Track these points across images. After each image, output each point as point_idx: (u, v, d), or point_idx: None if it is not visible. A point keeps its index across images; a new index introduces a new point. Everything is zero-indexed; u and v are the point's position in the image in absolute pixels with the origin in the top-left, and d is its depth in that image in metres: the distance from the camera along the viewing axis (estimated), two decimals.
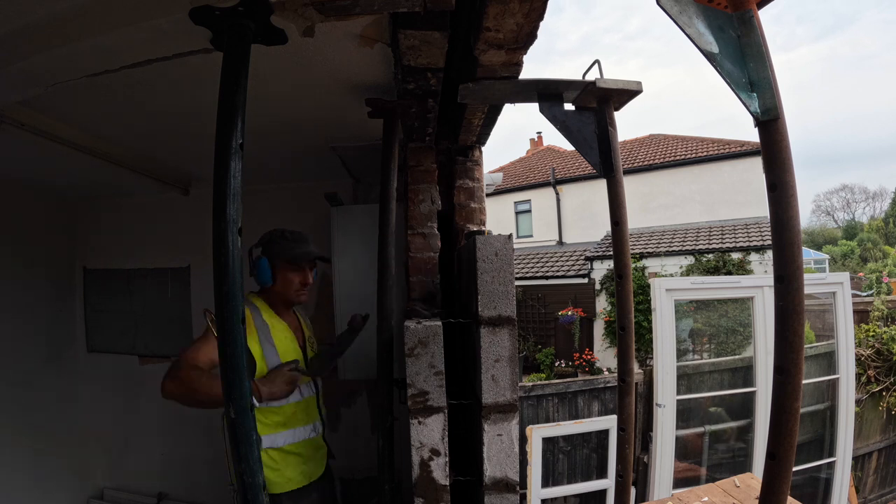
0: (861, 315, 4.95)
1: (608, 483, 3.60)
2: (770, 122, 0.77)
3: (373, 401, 2.69)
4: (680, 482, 3.43)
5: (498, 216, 13.67)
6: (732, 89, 0.79)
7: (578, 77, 1.26)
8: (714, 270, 8.26)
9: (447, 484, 1.22)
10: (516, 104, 1.40)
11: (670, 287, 3.49)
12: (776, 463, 0.77)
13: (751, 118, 0.79)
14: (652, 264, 9.01)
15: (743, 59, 0.79)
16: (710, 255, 8.50)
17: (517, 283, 7.79)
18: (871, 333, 4.63)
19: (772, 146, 0.77)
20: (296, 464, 1.56)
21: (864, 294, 10.56)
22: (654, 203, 10.92)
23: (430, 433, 1.21)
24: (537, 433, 3.39)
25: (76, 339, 3.06)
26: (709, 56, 0.79)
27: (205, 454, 2.50)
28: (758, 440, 3.51)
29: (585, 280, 9.74)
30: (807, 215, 34.42)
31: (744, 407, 3.68)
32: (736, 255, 8.32)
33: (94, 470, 3.01)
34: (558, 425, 3.54)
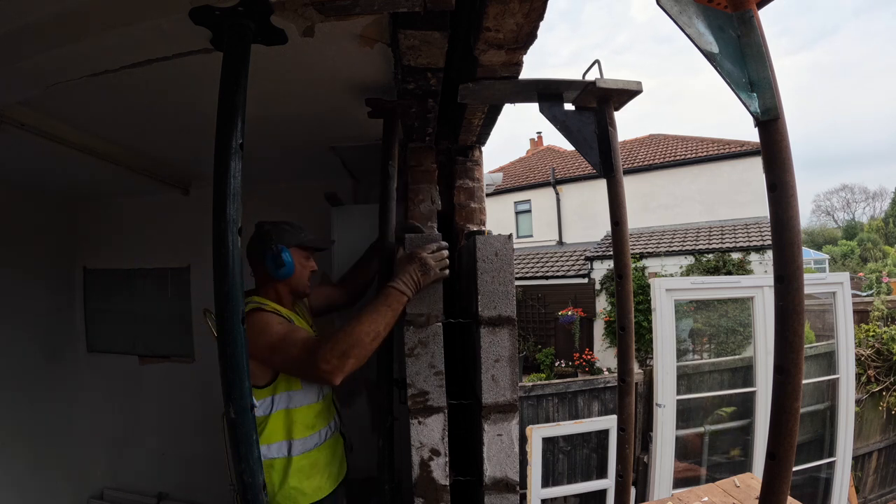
0: (861, 315, 4.95)
1: (608, 483, 3.60)
2: (770, 122, 0.77)
3: (373, 401, 2.68)
4: (680, 482, 3.43)
5: (498, 216, 13.67)
6: (732, 89, 0.79)
7: (578, 77, 1.26)
8: (714, 270, 8.26)
9: (447, 484, 1.22)
10: (516, 104, 1.40)
11: (670, 287, 3.49)
12: (776, 463, 0.77)
13: (729, 121, 0.79)
14: (652, 264, 9.01)
15: (743, 59, 0.79)
16: (710, 255, 8.50)
17: (517, 283, 7.79)
18: (871, 333, 4.63)
19: (772, 146, 0.77)
20: (325, 466, 1.45)
21: (864, 294, 10.56)
22: (654, 203, 10.92)
23: (430, 433, 1.21)
24: (537, 433, 3.39)
25: (76, 339, 3.06)
26: (709, 56, 0.79)
27: (205, 454, 2.50)
28: (758, 440, 3.51)
29: (585, 280, 9.74)
30: (807, 215, 34.46)
31: (744, 407, 3.68)
32: (736, 255, 8.32)
33: (94, 470, 3.01)
34: (558, 425, 3.54)
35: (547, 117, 1.29)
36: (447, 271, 1.25)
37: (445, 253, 1.26)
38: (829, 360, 3.83)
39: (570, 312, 9.42)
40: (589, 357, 9.27)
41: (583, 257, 10.24)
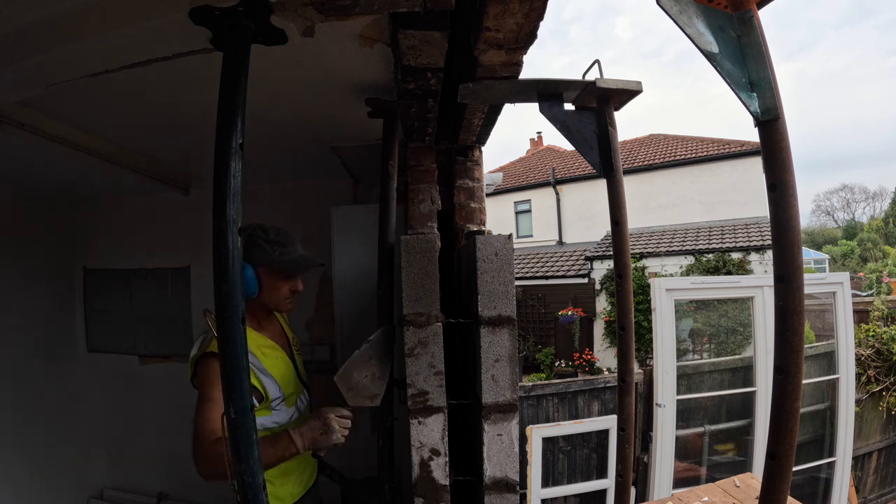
0: (861, 315, 4.95)
1: (608, 483, 3.60)
2: (770, 121, 0.77)
3: None
4: (680, 482, 3.43)
5: (498, 216, 13.68)
6: (732, 89, 0.79)
7: (578, 77, 1.26)
8: (714, 270, 8.27)
9: (447, 484, 1.22)
10: (516, 104, 1.40)
11: (670, 287, 3.49)
12: (776, 463, 0.77)
13: (712, 131, 0.79)
14: (652, 264, 9.02)
15: (743, 59, 0.79)
16: (710, 255, 8.51)
17: (517, 283, 7.78)
18: (871, 333, 4.63)
19: (772, 146, 0.77)
20: (296, 475, 1.49)
21: (864, 294, 10.55)
22: (654, 203, 10.92)
23: (430, 433, 1.21)
24: (537, 433, 3.39)
25: (76, 339, 3.06)
26: (709, 56, 0.79)
27: None
28: (758, 440, 3.51)
29: (585, 280, 9.75)
30: (807, 215, 34.54)
31: (744, 407, 3.68)
32: (736, 255, 8.33)
33: (94, 470, 3.01)
34: (558, 425, 3.54)
35: (547, 117, 1.29)
36: (345, 439, 1.36)
37: (349, 423, 1.37)
38: (829, 360, 3.83)
39: (570, 312, 9.43)
40: (589, 357, 9.28)
41: (583, 257, 10.25)
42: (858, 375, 4.18)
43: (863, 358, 4.39)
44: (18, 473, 2.62)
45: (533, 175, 14.14)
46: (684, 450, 3.58)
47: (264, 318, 1.53)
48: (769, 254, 3.82)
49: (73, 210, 3.03)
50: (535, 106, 1.30)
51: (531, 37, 1.05)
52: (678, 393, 3.45)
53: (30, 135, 1.64)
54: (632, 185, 9.28)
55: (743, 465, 3.62)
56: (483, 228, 2.06)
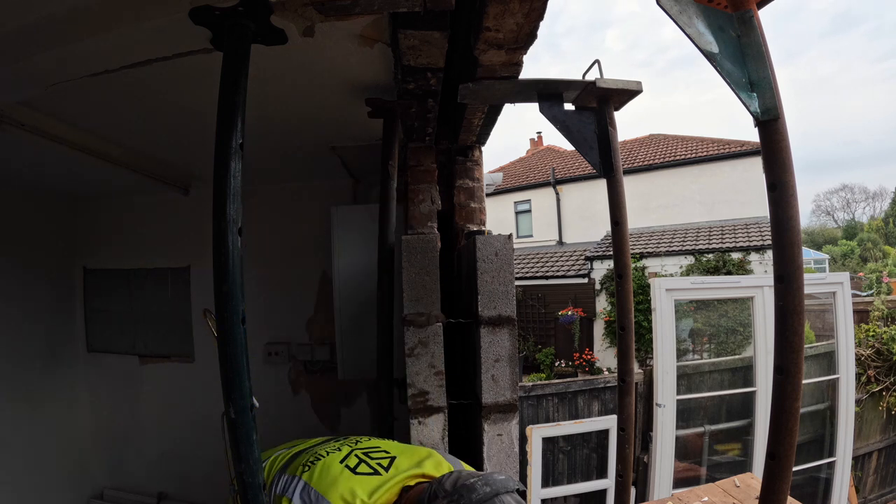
0: (861, 315, 4.95)
1: (608, 483, 3.60)
2: (770, 122, 0.77)
3: (373, 401, 2.68)
4: (680, 482, 3.43)
5: (498, 216, 13.67)
6: (732, 89, 0.79)
7: (578, 77, 1.26)
8: (714, 270, 8.27)
9: None
10: (516, 104, 1.40)
11: (670, 287, 3.49)
12: (776, 463, 0.77)
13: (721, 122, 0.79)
14: (652, 264, 9.02)
15: (743, 59, 0.79)
16: (710, 255, 8.51)
17: (517, 283, 7.73)
18: (871, 333, 4.63)
19: (772, 146, 0.77)
20: None
21: (864, 294, 10.54)
22: (654, 203, 10.92)
23: (430, 433, 1.22)
24: (537, 433, 3.39)
25: (76, 339, 3.06)
26: (709, 56, 0.79)
27: (205, 454, 2.50)
28: (758, 440, 3.51)
29: (585, 280, 9.75)
30: (807, 215, 34.46)
31: (744, 407, 3.68)
32: (736, 255, 8.33)
33: (94, 470, 3.01)
34: (558, 425, 3.54)
35: (547, 117, 1.29)
36: None
37: None
38: (829, 360, 3.83)
39: (570, 312, 9.42)
40: (589, 357, 9.27)
41: (583, 257, 10.24)
42: (858, 375, 4.18)
43: (863, 358, 4.39)
44: (19, 473, 2.61)
45: (533, 175, 14.14)
46: (684, 450, 3.58)
47: None
48: (769, 254, 3.83)
49: (73, 210, 3.02)
50: (535, 106, 1.30)
51: (531, 37, 1.05)
52: (678, 393, 3.46)
53: (30, 135, 1.63)
54: (632, 185, 9.24)
55: (743, 465, 3.62)
56: (483, 228, 2.06)
